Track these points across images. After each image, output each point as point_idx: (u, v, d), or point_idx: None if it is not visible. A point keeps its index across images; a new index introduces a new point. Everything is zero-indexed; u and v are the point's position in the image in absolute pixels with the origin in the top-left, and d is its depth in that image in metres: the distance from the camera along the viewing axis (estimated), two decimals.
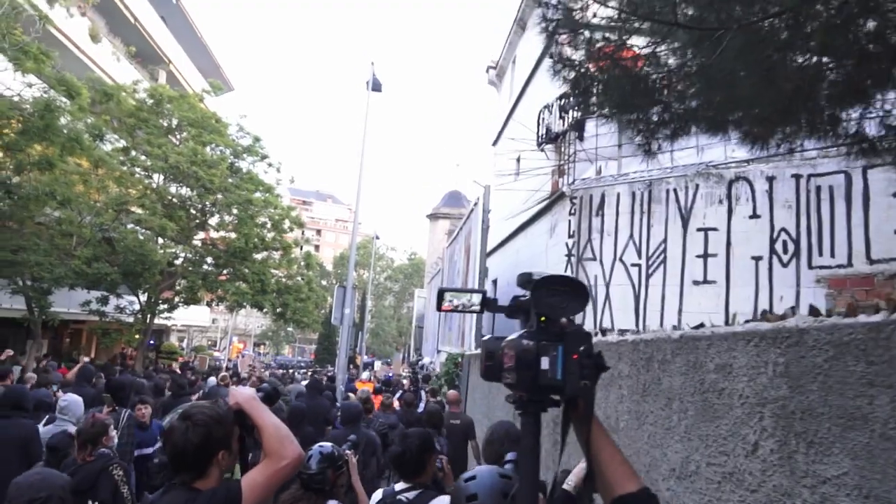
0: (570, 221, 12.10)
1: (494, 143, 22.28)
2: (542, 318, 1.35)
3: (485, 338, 1.50)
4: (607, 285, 11.09)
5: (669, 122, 4.49)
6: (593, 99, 4.77)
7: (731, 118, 4.44)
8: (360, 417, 6.27)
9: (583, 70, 4.49)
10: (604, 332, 5.23)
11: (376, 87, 15.16)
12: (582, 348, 1.32)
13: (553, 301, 1.36)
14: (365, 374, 18.57)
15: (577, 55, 4.49)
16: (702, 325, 2.96)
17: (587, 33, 4.29)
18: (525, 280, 1.43)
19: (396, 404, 10.41)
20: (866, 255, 8.50)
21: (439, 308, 1.60)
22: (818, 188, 9.03)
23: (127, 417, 6.69)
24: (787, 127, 5.02)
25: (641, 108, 4.51)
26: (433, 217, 42.22)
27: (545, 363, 1.31)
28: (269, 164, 22.07)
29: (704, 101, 4.20)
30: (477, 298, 1.60)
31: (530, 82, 17.15)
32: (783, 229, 9.19)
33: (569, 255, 11.91)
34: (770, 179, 9.46)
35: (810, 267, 8.90)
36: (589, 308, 11.68)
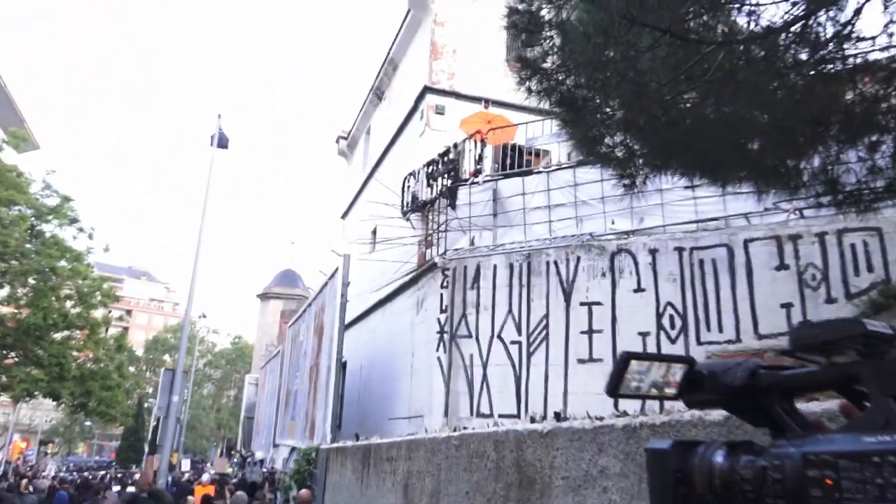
0: (441, 295, 11.50)
1: (345, 216, 21.34)
2: None
3: (656, 446, 0.93)
4: (484, 365, 10.56)
5: (646, 156, 3.64)
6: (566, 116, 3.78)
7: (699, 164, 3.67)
8: None
9: (554, 80, 3.52)
10: (558, 416, 4.24)
11: (222, 143, 13.55)
12: None
13: None
14: (205, 476, 15.93)
15: (549, 62, 3.54)
16: None
17: (557, 39, 3.38)
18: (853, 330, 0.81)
19: None
20: (754, 330, 8.34)
21: (614, 392, 0.98)
22: (701, 261, 8.89)
23: None
24: (743, 175, 4.40)
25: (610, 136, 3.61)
26: (264, 297, 40.02)
27: None
28: (80, 230, 19.20)
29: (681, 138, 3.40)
30: (676, 372, 0.96)
31: (389, 151, 16.89)
32: (669, 303, 8.93)
33: (441, 332, 11.23)
34: (653, 252, 9.24)
35: (699, 343, 8.61)
36: (462, 390, 10.70)
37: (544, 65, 3.85)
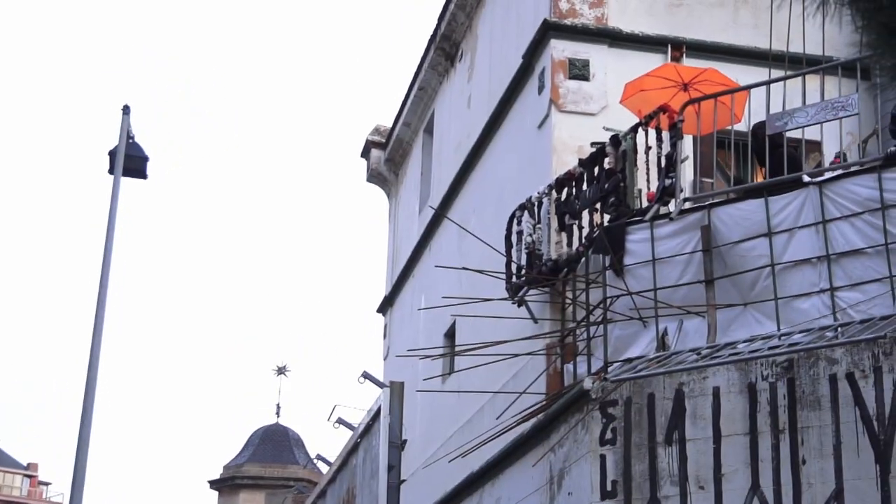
0: (603, 460, 7.29)
1: (386, 306, 16.64)
2: None
3: None
4: None
5: None
6: None
7: None
8: None
9: None
10: None
11: (136, 167, 10.02)
12: None
13: None
14: None
15: None
16: None
17: None
18: None
19: None
20: None
21: None
22: None
23: None
24: None
25: None
26: (227, 486, 26.16)
27: None
28: None
29: None
30: None
31: (475, 163, 12.02)
32: None
33: None
34: None
35: None
36: None
37: None
